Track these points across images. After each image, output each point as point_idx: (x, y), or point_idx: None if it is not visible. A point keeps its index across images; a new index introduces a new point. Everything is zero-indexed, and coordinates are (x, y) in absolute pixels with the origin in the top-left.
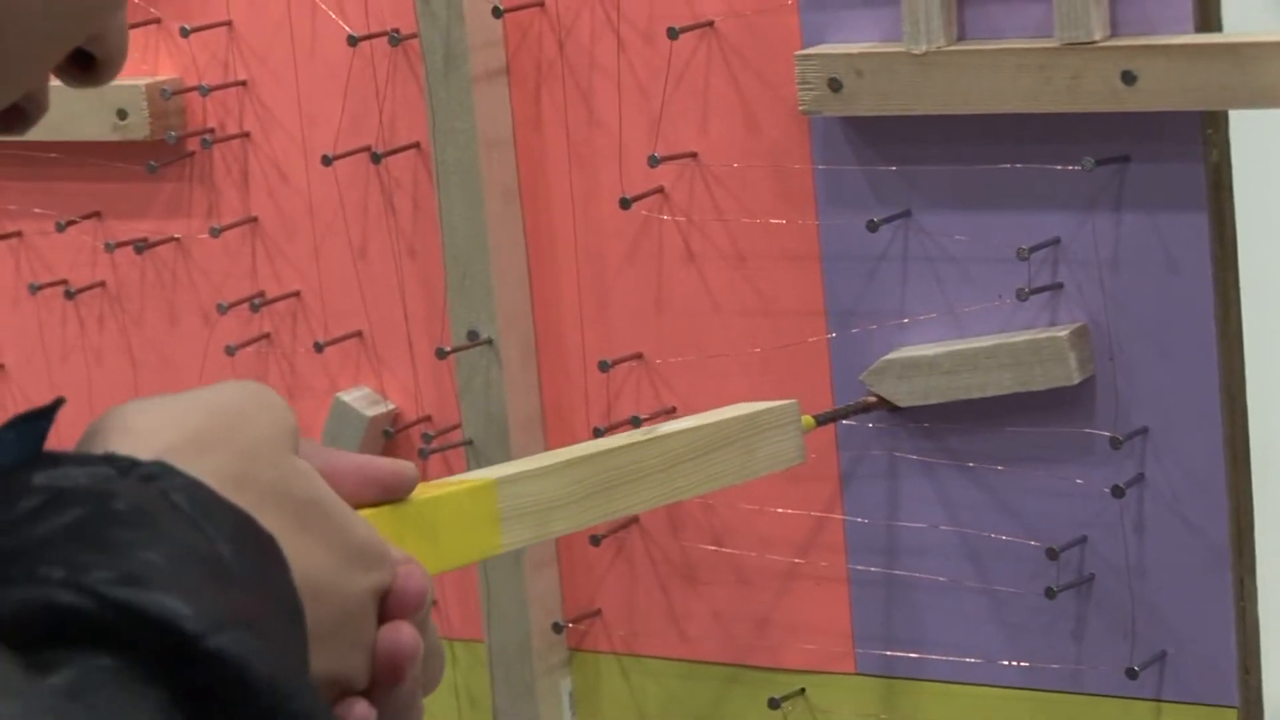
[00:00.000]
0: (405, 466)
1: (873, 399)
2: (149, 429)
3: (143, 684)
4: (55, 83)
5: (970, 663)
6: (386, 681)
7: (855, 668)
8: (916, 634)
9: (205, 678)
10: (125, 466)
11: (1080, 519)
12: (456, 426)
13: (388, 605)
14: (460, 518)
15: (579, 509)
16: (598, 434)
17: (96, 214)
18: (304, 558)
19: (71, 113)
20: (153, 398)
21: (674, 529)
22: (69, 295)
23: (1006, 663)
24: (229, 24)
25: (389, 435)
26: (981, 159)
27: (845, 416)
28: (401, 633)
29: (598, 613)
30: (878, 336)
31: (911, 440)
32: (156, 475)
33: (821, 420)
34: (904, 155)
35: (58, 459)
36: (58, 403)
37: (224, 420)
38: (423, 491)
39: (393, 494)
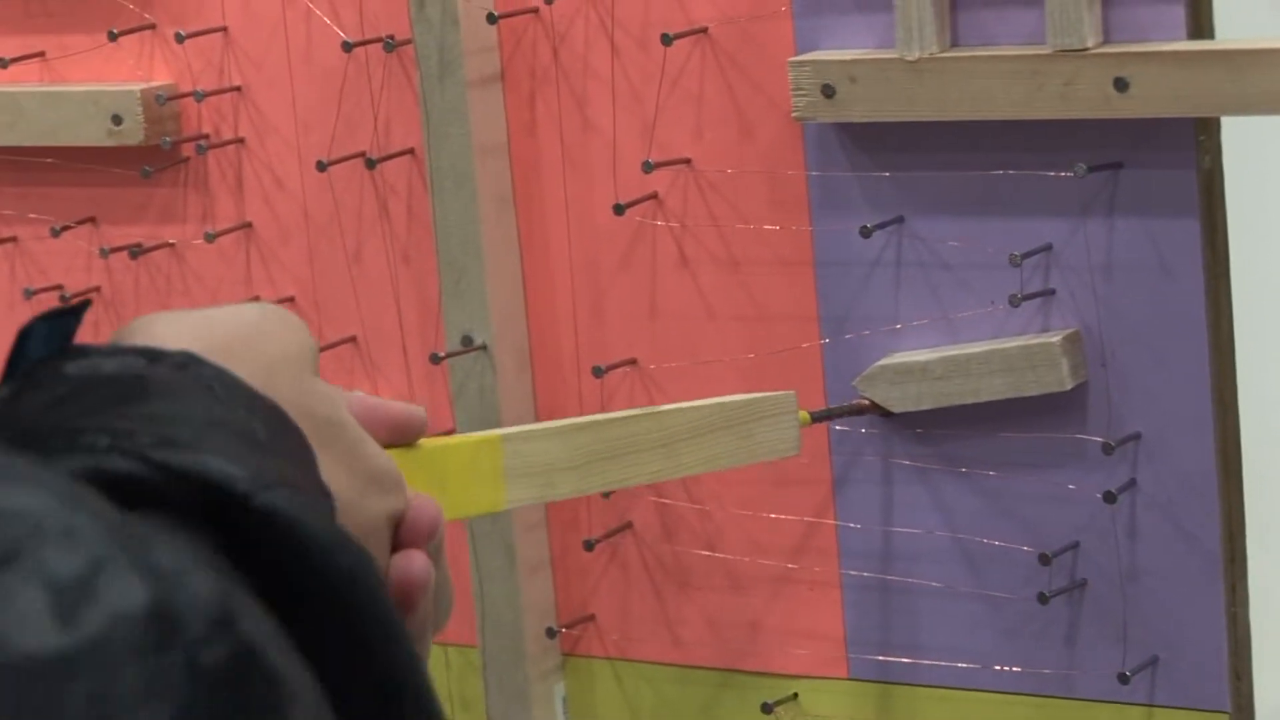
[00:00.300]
0: (416, 410)
1: (866, 402)
2: (174, 335)
3: (193, 533)
4: (49, 88)
5: (963, 668)
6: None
7: (848, 673)
8: (909, 639)
9: (255, 538)
10: (154, 355)
11: (1073, 524)
12: (450, 432)
13: (401, 533)
14: (466, 469)
15: (581, 475)
16: None
17: (91, 219)
18: (324, 474)
19: (66, 118)
20: (177, 310)
21: (667, 534)
22: (64, 300)
23: (999, 668)
24: (224, 30)
25: None
26: (974, 165)
27: (839, 416)
28: (414, 560)
29: (591, 618)
30: (871, 342)
31: (904, 445)
32: (186, 364)
33: (817, 417)
34: (897, 161)
35: (86, 351)
36: (85, 304)
37: (247, 334)
38: (430, 441)
39: (403, 436)
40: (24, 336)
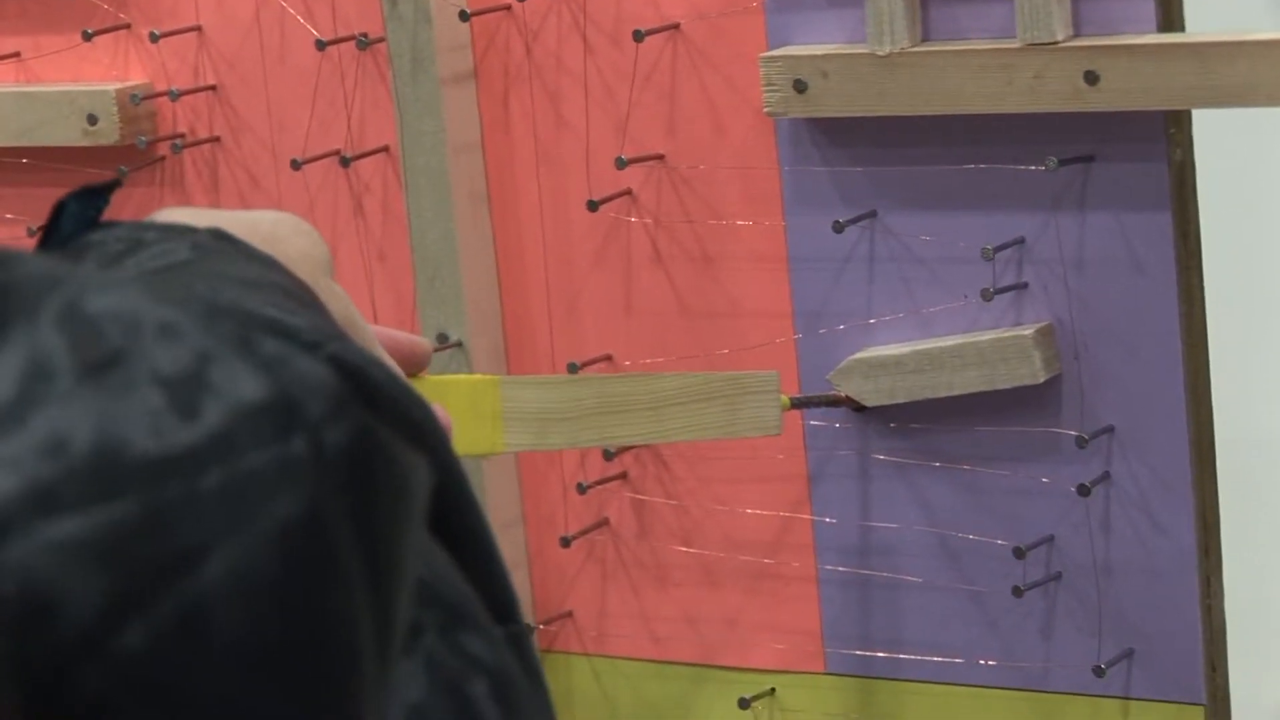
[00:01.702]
0: (422, 341)
1: (842, 395)
2: (198, 222)
3: None
4: (24, 88)
5: (939, 661)
6: None
7: (825, 667)
8: (885, 633)
9: None
10: (189, 229)
11: (1047, 518)
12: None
13: None
14: (466, 407)
15: (575, 427)
16: None
17: None
18: None
19: (41, 118)
20: (193, 207)
21: (644, 530)
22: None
23: (975, 661)
24: (198, 29)
25: None
26: (946, 159)
27: (817, 405)
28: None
29: (569, 614)
30: (845, 337)
31: (878, 440)
32: (221, 236)
33: (795, 403)
34: (869, 156)
35: (121, 224)
36: (116, 181)
37: (266, 232)
38: (433, 376)
39: (408, 367)
40: (57, 213)
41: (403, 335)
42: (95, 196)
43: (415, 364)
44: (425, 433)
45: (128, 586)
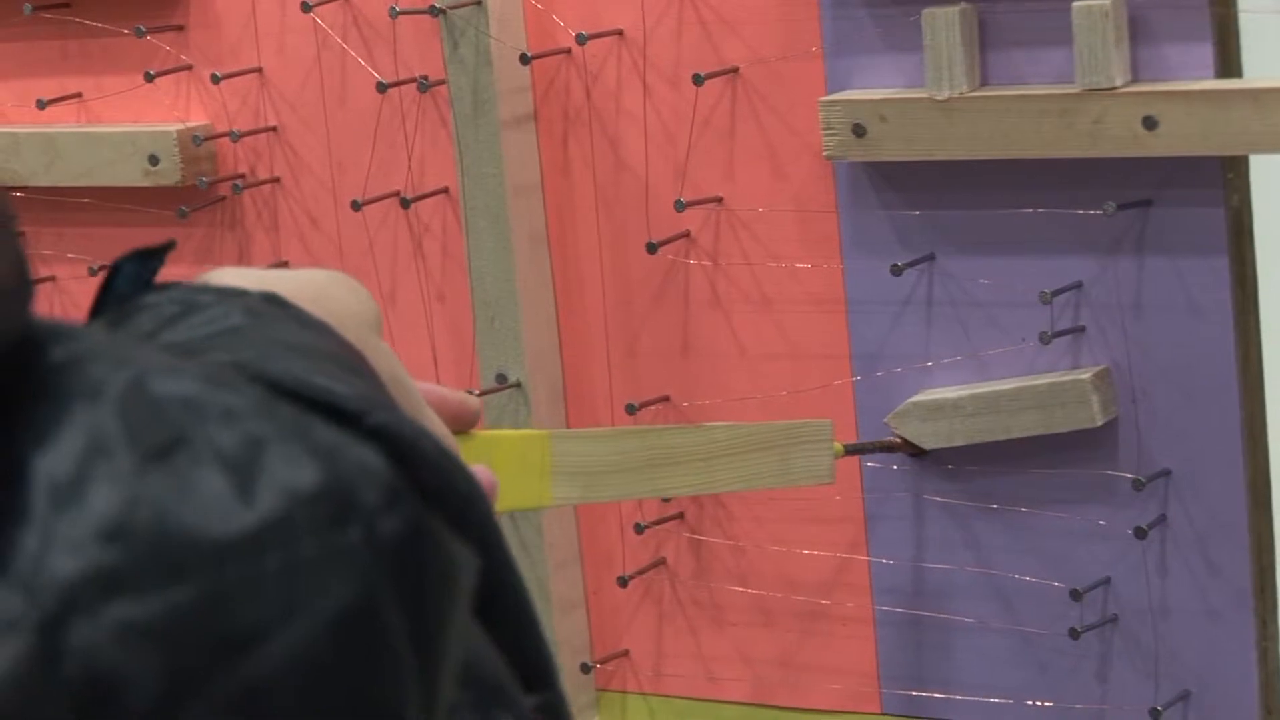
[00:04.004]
0: (471, 399)
1: (898, 440)
2: (247, 284)
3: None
4: (86, 129)
5: (995, 703)
6: None
7: (881, 708)
8: (941, 674)
9: None
10: (241, 292)
11: (1103, 560)
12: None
13: None
14: (515, 461)
15: (625, 479)
16: None
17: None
18: None
19: (104, 159)
20: (241, 268)
21: (701, 570)
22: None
23: (1031, 703)
24: (260, 71)
25: None
26: (1004, 204)
27: (871, 451)
28: None
29: (625, 653)
30: (902, 380)
31: (935, 482)
32: (272, 299)
33: (849, 449)
34: (928, 200)
35: (176, 286)
36: (171, 243)
37: (315, 292)
38: (482, 431)
39: (456, 425)
40: (113, 274)
41: (450, 393)
42: (150, 258)
43: (464, 421)
44: (472, 508)
45: (187, 669)
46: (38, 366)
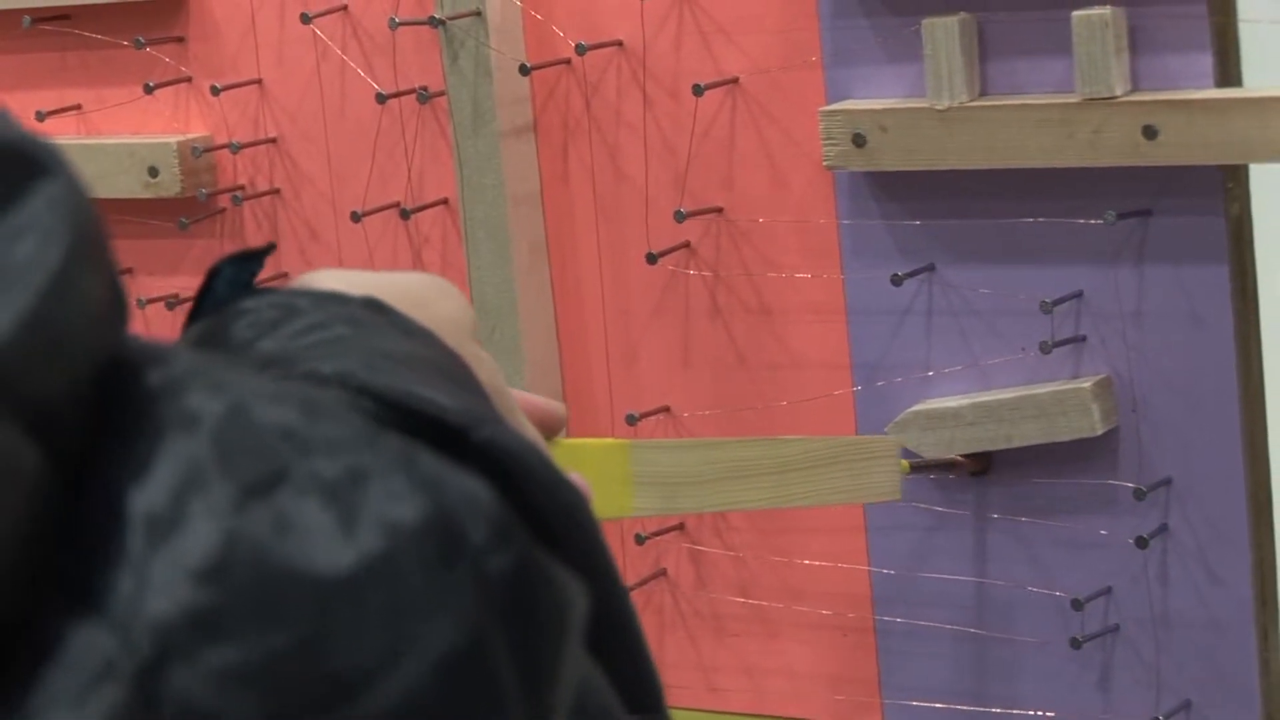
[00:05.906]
0: (559, 406)
1: (960, 459)
2: (347, 287)
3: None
4: (85, 140)
5: (997, 713)
6: None
7: (882, 718)
8: (943, 684)
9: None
10: (343, 298)
11: (1104, 570)
12: None
13: None
14: (597, 470)
15: (704, 491)
16: None
17: (128, 271)
18: None
19: (103, 170)
20: (340, 269)
21: (701, 581)
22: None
23: (1033, 713)
24: (259, 82)
25: None
26: (1004, 213)
27: (935, 470)
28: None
29: None
30: (903, 389)
31: (936, 491)
32: (372, 305)
33: (915, 467)
34: (928, 210)
35: (276, 291)
36: (271, 246)
37: (413, 296)
38: (566, 440)
39: (544, 431)
40: (211, 277)
41: (540, 400)
42: (249, 261)
43: (551, 428)
44: (578, 525)
45: (288, 716)
46: (134, 393)
